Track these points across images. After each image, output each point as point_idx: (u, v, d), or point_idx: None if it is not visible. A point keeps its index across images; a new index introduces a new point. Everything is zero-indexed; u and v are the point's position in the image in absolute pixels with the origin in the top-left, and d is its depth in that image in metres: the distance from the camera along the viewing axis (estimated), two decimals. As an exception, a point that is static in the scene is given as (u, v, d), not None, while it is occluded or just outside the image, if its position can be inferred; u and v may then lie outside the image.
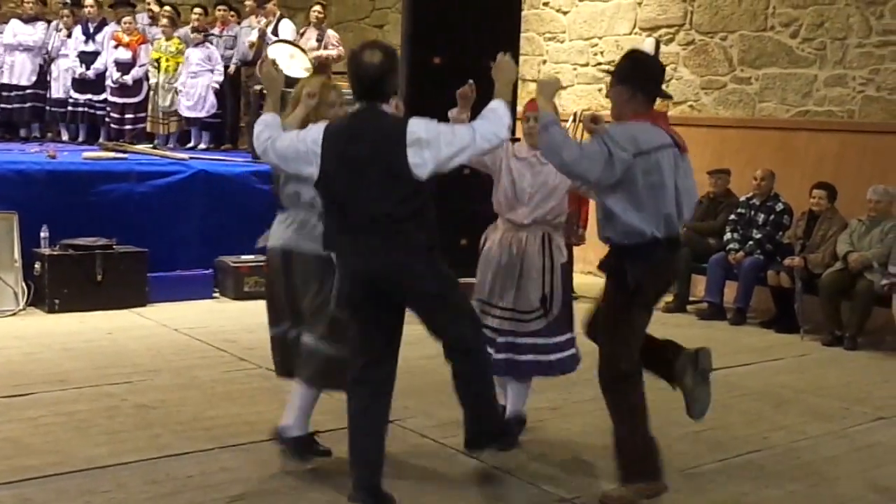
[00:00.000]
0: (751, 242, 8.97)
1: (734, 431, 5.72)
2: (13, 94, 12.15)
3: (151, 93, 11.98)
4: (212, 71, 11.89)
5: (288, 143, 4.21)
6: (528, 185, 5.02)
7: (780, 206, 9.01)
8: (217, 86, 11.90)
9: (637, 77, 4.40)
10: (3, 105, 12.19)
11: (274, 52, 10.97)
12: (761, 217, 9.05)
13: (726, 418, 5.96)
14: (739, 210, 9.20)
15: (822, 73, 9.46)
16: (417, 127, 4.04)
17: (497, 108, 4.14)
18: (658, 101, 4.67)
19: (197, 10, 12.42)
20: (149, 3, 12.72)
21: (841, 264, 8.27)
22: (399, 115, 4.55)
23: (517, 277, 5.02)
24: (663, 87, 4.66)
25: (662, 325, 8.66)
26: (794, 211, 8.97)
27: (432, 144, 4.01)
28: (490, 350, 4.87)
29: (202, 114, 11.91)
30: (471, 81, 4.82)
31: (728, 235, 9.17)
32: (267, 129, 4.29)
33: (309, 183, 4.24)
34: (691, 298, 9.55)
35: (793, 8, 9.66)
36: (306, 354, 4.61)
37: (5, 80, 12.12)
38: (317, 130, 4.16)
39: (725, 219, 9.31)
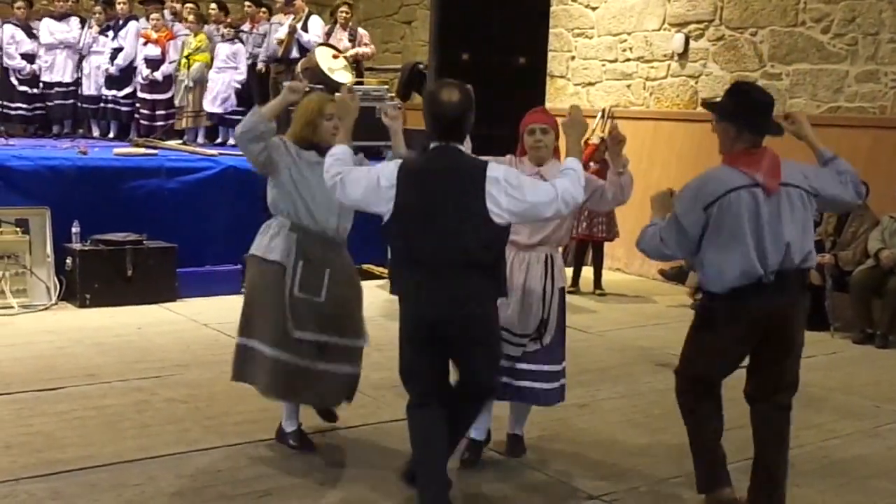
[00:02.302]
0: (781, 239, 8.90)
1: (763, 429, 5.67)
2: (54, 91, 12.29)
3: (180, 88, 12.05)
4: (235, 68, 11.94)
5: (358, 181, 4.05)
6: None
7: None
8: (238, 85, 11.94)
9: (740, 115, 4.23)
10: (47, 102, 12.33)
11: (320, 54, 11.06)
12: (792, 214, 8.97)
13: (755, 416, 5.92)
14: (769, 207, 9.12)
15: (854, 68, 9.38)
16: (496, 172, 3.93)
17: (575, 167, 4.03)
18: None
19: (213, 5, 12.46)
20: (173, 1, 12.77)
21: (872, 262, 8.21)
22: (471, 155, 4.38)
23: (518, 299, 4.82)
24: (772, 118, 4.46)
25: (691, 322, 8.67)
26: (825, 208, 8.90)
27: (512, 194, 3.89)
28: None
29: (220, 110, 11.96)
30: (398, 102, 4.74)
31: (758, 232, 9.09)
32: (337, 164, 4.15)
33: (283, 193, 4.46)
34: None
35: (824, 3, 9.59)
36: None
37: (45, 79, 12.25)
38: (391, 169, 4.02)
39: (755, 216, 9.23)
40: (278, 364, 4.71)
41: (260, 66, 12.24)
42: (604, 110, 11.37)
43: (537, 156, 4.83)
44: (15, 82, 12.21)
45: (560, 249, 5.07)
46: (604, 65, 11.80)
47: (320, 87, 10.23)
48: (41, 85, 12.34)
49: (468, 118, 4.04)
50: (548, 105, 6.65)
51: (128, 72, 12.26)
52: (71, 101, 12.45)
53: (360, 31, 12.15)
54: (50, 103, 12.37)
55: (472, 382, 4.16)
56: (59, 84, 12.30)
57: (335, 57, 11.28)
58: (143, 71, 12.06)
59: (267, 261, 4.80)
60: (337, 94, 4.97)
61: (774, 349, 4.35)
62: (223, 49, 11.96)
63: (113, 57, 12.14)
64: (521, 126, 4.93)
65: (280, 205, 4.83)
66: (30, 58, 12.23)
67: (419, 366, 4.13)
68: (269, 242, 4.84)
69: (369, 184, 4.01)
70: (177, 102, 12.03)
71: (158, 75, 11.99)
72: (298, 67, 11.42)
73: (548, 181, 4.09)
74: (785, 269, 4.20)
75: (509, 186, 3.89)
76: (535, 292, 4.84)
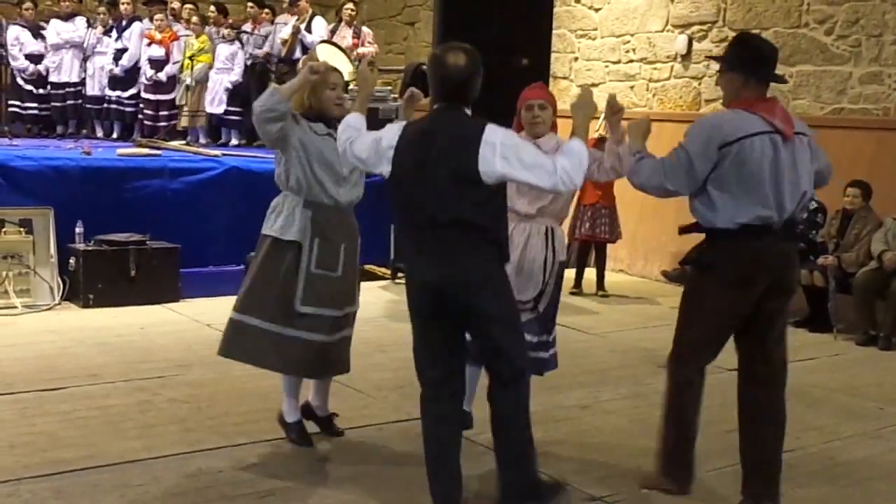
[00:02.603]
0: (784, 241, 8.89)
1: (766, 431, 5.67)
2: (62, 91, 12.31)
3: (184, 88, 12.07)
4: (230, 70, 11.95)
5: (367, 143, 4.06)
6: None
7: (813, 205, 8.92)
8: (230, 85, 11.95)
9: (747, 63, 4.24)
10: (54, 103, 12.34)
11: (321, 51, 11.04)
12: (795, 215, 8.96)
13: (758, 418, 5.92)
14: (772, 208, 9.12)
15: (857, 70, 9.37)
16: (494, 134, 3.81)
17: (577, 148, 3.84)
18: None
19: (212, 7, 12.47)
20: (172, 1, 12.79)
21: (875, 263, 8.20)
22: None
23: (517, 269, 4.85)
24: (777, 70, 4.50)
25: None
26: (828, 209, 8.90)
27: (508, 157, 3.77)
28: None
29: (218, 110, 11.98)
30: (412, 90, 4.67)
31: (761, 234, 9.09)
32: (348, 130, 4.18)
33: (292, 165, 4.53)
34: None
35: (827, 5, 9.58)
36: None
37: (53, 79, 12.26)
38: (394, 129, 4.02)
39: (758, 217, 9.23)
40: (289, 341, 4.78)
41: (272, 68, 12.26)
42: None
43: (534, 131, 4.88)
44: (21, 83, 12.24)
45: (560, 223, 5.09)
46: (607, 66, 11.80)
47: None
48: (48, 86, 12.35)
49: (475, 81, 3.96)
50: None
51: (132, 72, 12.27)
52: (78, 101, 12.47)
53: (365, 29, 12.18)
54: (58, 103, 12.38)
55: (502, 367, 3.99)
56: (68, 84, 12.32)
57: (335, 53, 11.27)
58: (146, 72, 12.07)
59: (283, 241, 4.82)
60: (359, 66, 5.07)
61: (776, 298, 4.32)
62: (223, 50, 11.97)
63: (116, 58, 12.16)
64: (519, 101, 4.99)
65: (291, 180, 4.83)
66: (35, 58, 12.23)
67: (430, 344, 4.02)
68: (283, 222, 4.84)
69: (375, 147, 4.01)
70: (177, 100, 12.04)
71: (162, 76, 12.00)
72: (300, 65, 11.42)
73: (548, 155, 3.92)
74: (794, 215, 4.27)
75: (506, 149, 3.76)
76: (535, 262, 4.88)
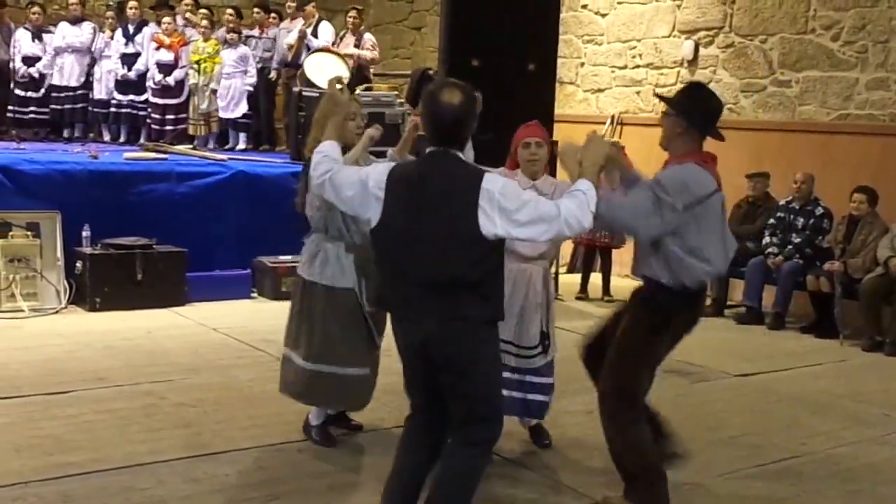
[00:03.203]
0: (790, 246, 8.90)
1: (772, 437, 5.68)
2: (63, 94, 12.30)
3: (191, 94, 12.08)
4: (245, 72, 11.96)
5: (349, 180, 3.73)
6: None
7: (819, 210, 8.94)
8: (251, 88, 11.96)
9: (693, 114, 4.26)
10: (53, 106, 12.35)
11: (309, 64, 11.00)
12: (801, 221, 8.98)
13: (764, 423, 5.93)
14: (779, 214, 9.13)
15: (864, 76, 9.36)
16: (493, 184, 3.53)
17: (586, 189, 3.63)
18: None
19: (229, 10, 12.52)
20: (187, 5, 12.81)
21: (882, 269, 8.20)
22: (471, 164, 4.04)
23: (519, 311, 4.91)
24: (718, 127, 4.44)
25: (699, 328, 8.63)
26: (835, 215, 8.90)
27: (507, 209, 3.50)
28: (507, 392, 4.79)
29: (234, 115, 11.99)
30: (414, 121, 4.66)
31: (767, 239, 9.11)
32: (325, 161, 3.84)
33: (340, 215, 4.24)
34: (729, 303, 9.50)
35: (834, 10, 9.58)
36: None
37: (55, 82, 12.27)
38: (381, 171, 3.70)
39: (764, 222, 9.24)
40: (369, 380, 4.98)
41: (273, 73, 12.30)
42: (613, 117, 11.38)
43: (532, 170, 4.91)
44: (19, 86, 12.18)
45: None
46: (613, 71, 11.80)
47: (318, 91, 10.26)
48: (44, 90, 12.30)
49: (469, 123, 3.70)
50: (557, 111, 6.66)
51: (144, 76, 12.27)
52: (80, 105, 12.46)
53: (366, 35, 12.20)
54: (59, 107, 12.37)
55: (470, 431, 3.70)
56: (68, 88, 12.30)
57: (326, 60, 11.20)
58: (154, 76, 12.08)
59: (338, 289, 4.88)
60: (327, 89, 4.95)
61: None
62: (229, 54, 11.97)
63: (125, 61, 12.16)
64: (515, 140, 4.99)
65: (330, 230, 4.87)
66: (31, 61, 12.18)
67: (415, 381, 3.83)
68: (332, 270, 4.89)
69: (359, 187, 3.69)
70: (204, 107, 11.99)
71: (171, 80, 12.01)
72: (298, 77, 11.47)
73: (551, 201, 3.66)
74: None
75: (504, 200, 3.50)
76: (537, 305, 4.92)
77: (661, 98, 4.59)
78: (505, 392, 4.68)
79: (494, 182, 3.54)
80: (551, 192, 4.69)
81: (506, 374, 4.66)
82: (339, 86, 4.44)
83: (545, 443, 5.29)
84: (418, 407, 3.90)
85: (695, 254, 4.16)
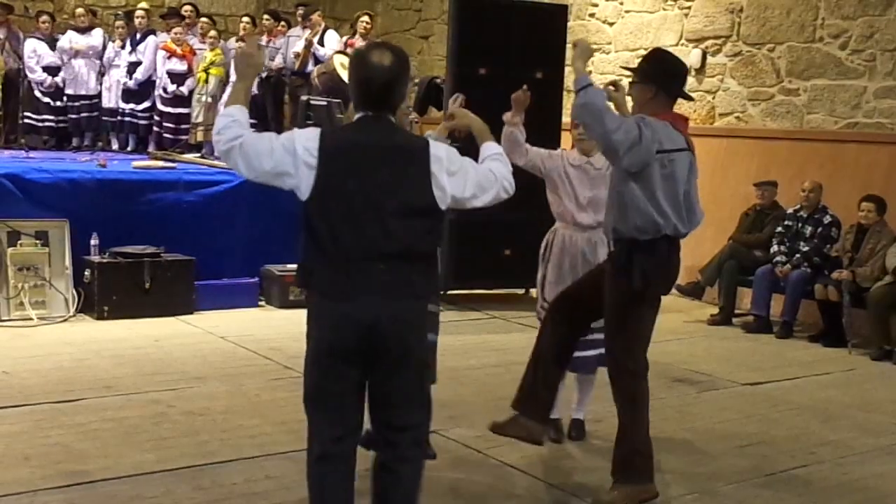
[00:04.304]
0: (798, 255, 8.89)
1: (780, 446, 5.67)
2: (80, 103, 12.37)
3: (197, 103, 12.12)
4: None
5: (268, 148, 3.37)
6: (588, 190, 5.20)
7: (827, 219, 8.92)
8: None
9: (660, 76, 4.40)
10: (71, 115, 12.41)
11: (338, 60, 11.09)
12: (809, 229, 8.96)
13: (772, 433, 5.92)
14: (786, 222, 9.12)
15: (872, 84, 9.36)
16: (438, 150, 3.41)
17: (500, 153, 3.68)
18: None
19: (245, 19, 12.56)
20: (188, 11, 12.84)
21: (890, 278, 8.17)
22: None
23: (575, 273, 5.16)
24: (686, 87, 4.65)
25: (707, 337, 8.68)
26: (843, 223, 8.88)
27: (454, 175, 3.41)
28: (587, 352, 5.13)
29: None
30: (525, 87, 4.85)
31: (775, 248, 9.09)
32: (234, 126, 3.40)
33: None
34: (737, 311, 9.48)
35: (842, 19, 9.57)
36: None
37: (70, 91, 12.32)
38: (308, 137, 3.38)
39: (772, 231, 9.23)
40: None
41: (281, 78, 12.32)
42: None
43: (581, 147, 5.25)
44: (39, 95, 12.29)
45: None
46: (620, 80, 11.78)
47: (325, 99, 10.29)
48: (65, 98, 12.40)
49: (401, 85, 3.44)
50: (565, 119, 6.66)
51: (146, 86, 12.33)
52: (95, 113, 12.52)
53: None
54: (75, 115, 12.44)
55: (408, 422, 3.45)
56: (85, 97, 12.37)
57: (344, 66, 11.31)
58: (167, 85, 12.12)
59: None
60: (240, 44, 4.78)
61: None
62: None
63: (130, 71, 12.21)
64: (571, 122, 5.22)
65: None
66: (53, 70, 12.30)
67: (333, 392, 3.39)
68: None
69: (284, 151, 3.34)
70: (194, 117, 12.06)
71: (184, 89, 12.04)
72: (315, 72, 11.48)
73: (483, 165, 3.58)
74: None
75: (451, 165, 3.40)
76: (588, 264, 5.13)
77: (627, 68, 4.72)
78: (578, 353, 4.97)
79: (439, 148, 3.44)
80: (605, 165, 4.96)
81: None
82: (254, 44, 3.96)
83: (580, 435, 5.47)
84: (334, 439, 3.44)
85: (651, 202, 4.26)
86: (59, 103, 12.40)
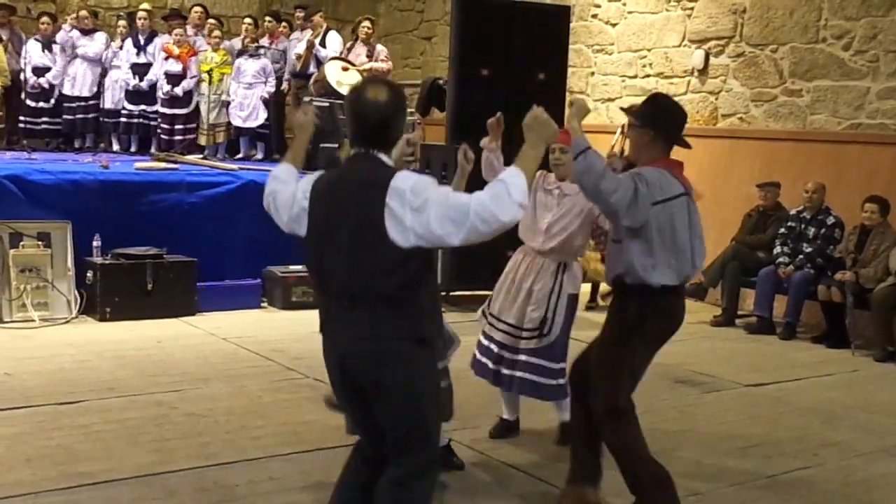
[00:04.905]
0: (801, 256, 8.88)
1: (783, 447, 5.66)
2: (75, 105, 12.33)
3: (201, 104, 12.11)
4: (265, 83, 12.00)
5: (287, 200, 3.53)
6: (551, 216, 5.18)
7: (831, 220, 8.91)
8: (267, 96, 11.99)
9: (659, 121, 4.35)
10: (66, 116, 12.38)
11: (329, 68, 11.10)
12: (812, 231, 8.95)
13: (775, 434, 5.91)
14: (790, 223, 9.10)
15: (875, 85, 9.34)
16: (403, 182, 3.20)
17: (509, 180, 3.17)
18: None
19: (247, 20, 12.57)
20: (197, 13, 12.85)
21: (893, 279, 8.16)
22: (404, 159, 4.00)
23: (522, 299, 5.18)
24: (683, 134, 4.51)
25: (710, 339, 8.67)
26: (846, 225, 8.87)
27: (418, 211, 3.17)
28: (487, 360, 5.28)
29: (254, 124, 12.02)
30: (499, 113, 4.78)
31: (778, 249, 9.08)
32: (273, 182, 3.63)
33: None
34: (740, 312, 9.48)
35: (845, 20, 9.56)
36: None
37: (66, 92, 12.30)
38: (308, 180, 3.46)
39: (775, 232, 9.22)
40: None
41: (285, 85, 12.34)
42: (623, 126, 11.36)
43: (557, 173, 5.20)
44: (23, 96, 12.16)
45: (578, 259, 5.33)
46: (623, 80, 11.80)
47: (328, 100, 10.30)
48: (54, 100, 12.33)
49: (396, 123, 3.38)
50: (565, 121, 6.64)
51: (153, 87, 12.31)
52: (92, 115, 12.49)
53: (379, 46, 12.22)
54: (70, 117, 12.40)
55: (401, 466, 3.38)
56: (80, 98, 12.33)
57: (345, 69, 11.32)
58: (163, 86, 12.11)
59: None
60: (314, 84, 4.85)
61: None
62: (250, 65, 12.00)
63: (136, 72, 12.19)
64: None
65: None
66: (40, 71, 12.20)
67: (349, 408, 3.61)
68: None
69: (291, 201, 3.50)
70: (212, 119, 12.01)
71: (179, 91, 12.03)
72: (311, 81, 11.49)
73: (466, 195, 3.24)
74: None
75: (416, 200, 3.16)
76: (540, 292, 5.13)
77: (626, 111, 4.65)
78: (490, 364, 5.23)
79: (406, 180, 3.22)
80: (575, 192, 4.95)
81: (498, 351, 5.24)
82: (305, 106, 4.06)
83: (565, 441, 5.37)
84: (361, 444, 3.60)
85: (651, 257, 4.22)
86: (44, 104, 12.27)
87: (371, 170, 3.31)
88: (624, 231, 4.27)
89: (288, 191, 3.54)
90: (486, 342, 5.34)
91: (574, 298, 5.23)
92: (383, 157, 3.34)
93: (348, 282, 3.28)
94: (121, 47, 12.32)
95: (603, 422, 4.36)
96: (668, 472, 4.33)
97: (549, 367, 5.15)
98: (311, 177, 3.49)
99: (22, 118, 12.23)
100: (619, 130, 11.17)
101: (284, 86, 12.39)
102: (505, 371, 5.24)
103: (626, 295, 4.34)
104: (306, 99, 10.55)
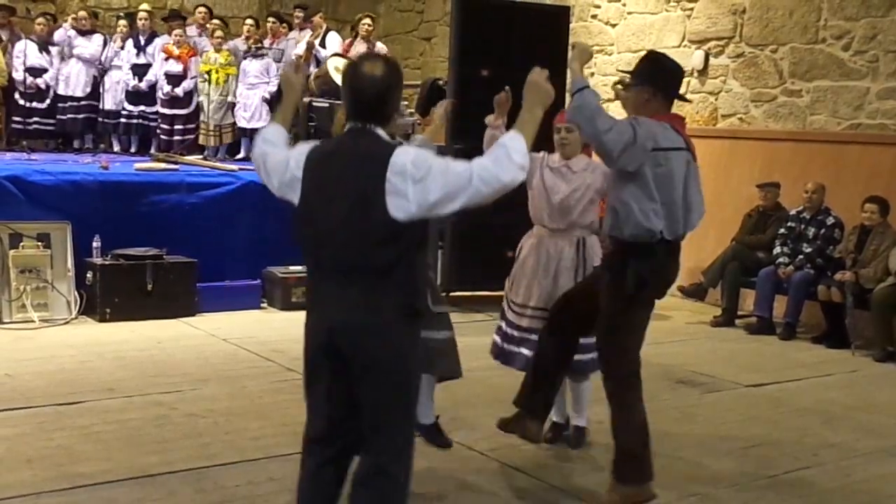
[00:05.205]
0: (801, 256, 8.88)
1: (783, 448, 5.66)
2: (68, 104, 12.31)
3: (200, 105, 12.11)
4: (267, 83, 12.01)
5: (277, 165, 3.49)
6: (562, 194, 5.17)
7: (830, 220, 8.91)
8: (268, 96, 12.00)
9: (657, 78, 4.39)
10: (59, 116, 12.35)
11: (332, 63, 11.10)
12: (812, 231, 8.95)
13: (775, 434, 5.91)
14: (789, 224, 9.11)
15: (875, 85, 9.35)
16: (404, 157, 3.23)
17: (509, 143, 3.24)
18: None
19: (249, 21, 12.57)
20: (201, 14, 12.86)
21: (893, 279, 8.16)
22: (439, 126, 4.24)
23: (551, 278, 5.18)
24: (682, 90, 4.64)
25: (710, 339, 8.67)
26: (846, 225, 8.87)
27: (420, 182, 3.19)
28: (519, 348, 5.20)
29: (258, 125, 12.03)
30: (507, 88, 4.77)
31: (778, 249, 9.08)
32: (264, 144, 3.60)
33: None
34: (740, 312, 9.48)
35: (845, 20, 9.56)
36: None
37: (61, 92, 12.28)
38: (302, 150, 3.44)
39: (775, 232, 9.22)
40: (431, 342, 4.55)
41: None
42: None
43: (563, 153, 5.22)
44: (18, 96, 12.14)
45: (594, 233, 5.28)
46: (626, 78, 11.78)
47: (327, 101, 10.30)
48: (48, 100, 12.30)
49: (393, 97, 3.39)
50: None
51: (153, 87, 12.32)
52: (83, 115, 12.42)
53: (379, 45, 12.23)
54: (62, 116, 12.36)
55: (377, 446, 3.36)
56: (73, 98, 12.29)
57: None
58: (164, 87, 12.12)
59: None
60: (313, 80, 4.88)
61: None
62: (253, 66, 12.02)
63: (135, 72, 12.19)
64: (554, 126, 5.21)
65: None
66: (37, 72, 12.15)
67: (316, 393, 3.45)
68: None
69: (283, 167, 3.46)
70: (217, 120, 12.00)
71: (179, 91, 12.03)
72: (311, 76, 11.48)
73: (465, 163, 3.27)
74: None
75: (417, 172, 3.19)
76: (565, 269, 5.14)
77: (623, 72, 4.74)
78: (523, 351, 5.14)
79: (405, 154, 3.25)
80: (582, 169, 5.10)
81: (530, 336, 5.11)
82: (296, 66, 4.13)
83: (580, 443, 5.45)
84: (318, 437, 3.49)
85: (647, 204, 4.23)
86: (39, 105, 12.25)
87: (369, 144, 3.32)
88: (617, 177, 4.30)
89: (279, 155, 3.51)
90: (511, 331, 5.30)
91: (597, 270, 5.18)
92: (380, 131, 3.35)
93: (342, 254, 3.29)
94: (122, 48, 12.32)
95: (611, 383, 4.47)
96: (650, 448, 4.47)
97: (584, 343, 5.05)
98: (305, 146, 3.46)
99: (15, 118, 12.19)
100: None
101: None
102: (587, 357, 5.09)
103: (623, 254, 4.34)
104: (306, 99, 10.56)
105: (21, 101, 12.13)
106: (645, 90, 4.38)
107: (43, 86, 12.16)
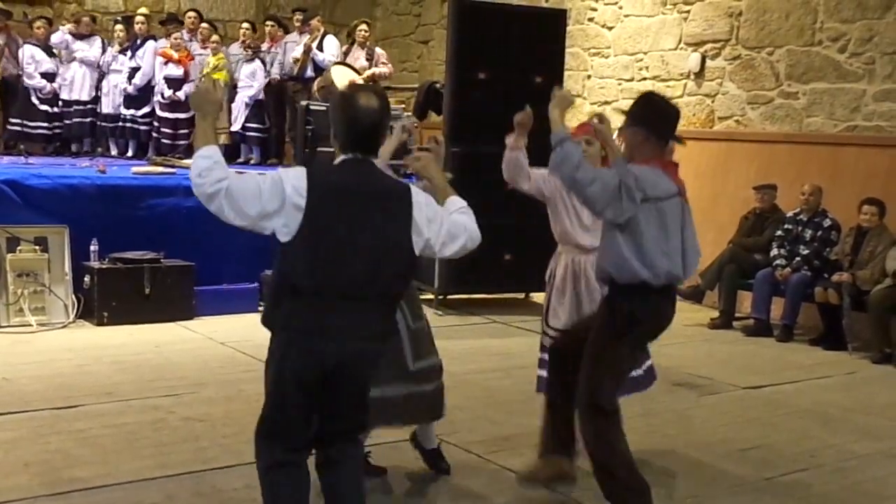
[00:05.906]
0: (798, 258, 8.89)
1: (781, 450, 5.66)
2: (73, 109, 12.34)
3: (196, 108, 12.12)
4: (251, 86, 12.05)
5: (251, 187, 3.36)
6: (588, 213, 5.04)
7: (827, 222, 8.92)
8: (249, 100, 12.04)
9: (651, 120, 4.32)
10: (65, 121, 12.39)
11: (336, 73, 11.11)
12: (808, 233, 8.96)
13: (773, 436, 5.91)
14: (786, 226, 9.12)
15: (871, 87, 9.36)
16: (422, 196, 3.52)
17: (465, 204, 3.68)
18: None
19: (245, 25, 12.59)
20: (191, 19, 12.86)
21: (890, 281, 8.17)
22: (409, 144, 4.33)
23: (588, 299, 5.08)
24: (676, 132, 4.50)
25: (708, 341, 8.67)
26: (842, 227, 8.88)
27: (433, 221, 3.49)
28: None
29: (236, 127, 12.09)
30: (528, 107, 4.70)
31: (775, 251, 9.09)
32: (216, 168, 3.37)
33: None
34: (737, 314, 9.48)
35: (841, 22, 9.58)
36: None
37: (65, 97, 12.31)
38: (296, 176, 3.37)
39: (772, 234, 9.23)
40: (415, 397, 4.62)
41: (274, 76, 12.33)
42: (620, 129, 11.37)
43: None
44: (36, 101, 12.23)
45: None
46: (620, 84, 11.81)
47: (325, 105, 10.28)
48: (60, 104, 12.39)
49: (385, 128, 3.62)
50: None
51: (146, 91, 12.34)
52: (89, 119, 12.51)
53: (378, 50, 12.23)
54: (69, 121, 12.41)
55: (347, 422, 3.63)
56: (78, 102, 12.35)
57: (350, 75, 11.35)
58: (164, 90, 12.13)
59: None
60: (196, 84, 4.78)
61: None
62: (244, 69, 12.08)
63: (131, 76, 12.22)
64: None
65: None
66: (50, 76, 12.29)
67: (295, 419, 3.51)
68: None
69: (272, 192, 3.33)
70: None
71: (181, 94, 12.05)
72: (315, 86, 11.50)
73: (452, 216, 3.61)
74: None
75: (430, 211, 3.49)
76: (595, 290, 5.00)
77: (621, 112, 4.62)
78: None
79: (419, 194, 3.53)
80: None
81: None
82: (208, 83, 4.09)
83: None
84: (291, 451, 3.58)
85: (639, 254, 4.18)
86: (54, 109, 12.34)
87: (381, 179, 3.53)
88: (608, 225, 4.24)
89: (246, 180, 3.39)
90: None
91: None
92: (377, 162, 3.55)
93: (364, 283, 3.38)
94: (122, 52, 12.35)
95: (583, 416, 4.34)
96: (647, 483, 4.30)
97: None
98: (297, 173, 3.40)
99: (27, 122, 12.21)
100: (615, 133, 11.20)
101: (274, 76, 12.36)
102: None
103: (616, 293, 4.30)
104: (303, 103, 10.56)
105: (42, 107, 12.19)
106: (639, 132, 4.31)
107: (58, 89, 12.25)
